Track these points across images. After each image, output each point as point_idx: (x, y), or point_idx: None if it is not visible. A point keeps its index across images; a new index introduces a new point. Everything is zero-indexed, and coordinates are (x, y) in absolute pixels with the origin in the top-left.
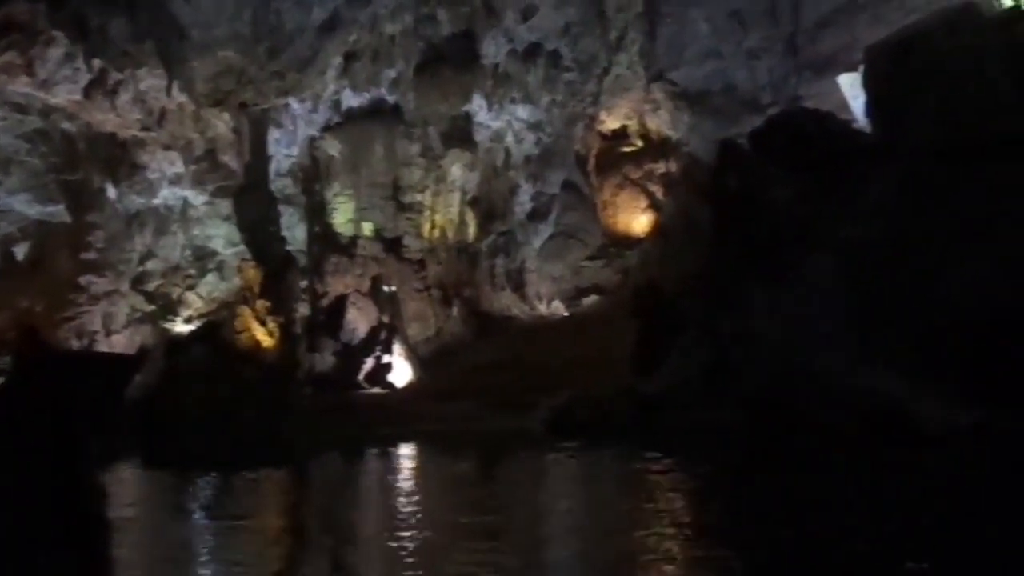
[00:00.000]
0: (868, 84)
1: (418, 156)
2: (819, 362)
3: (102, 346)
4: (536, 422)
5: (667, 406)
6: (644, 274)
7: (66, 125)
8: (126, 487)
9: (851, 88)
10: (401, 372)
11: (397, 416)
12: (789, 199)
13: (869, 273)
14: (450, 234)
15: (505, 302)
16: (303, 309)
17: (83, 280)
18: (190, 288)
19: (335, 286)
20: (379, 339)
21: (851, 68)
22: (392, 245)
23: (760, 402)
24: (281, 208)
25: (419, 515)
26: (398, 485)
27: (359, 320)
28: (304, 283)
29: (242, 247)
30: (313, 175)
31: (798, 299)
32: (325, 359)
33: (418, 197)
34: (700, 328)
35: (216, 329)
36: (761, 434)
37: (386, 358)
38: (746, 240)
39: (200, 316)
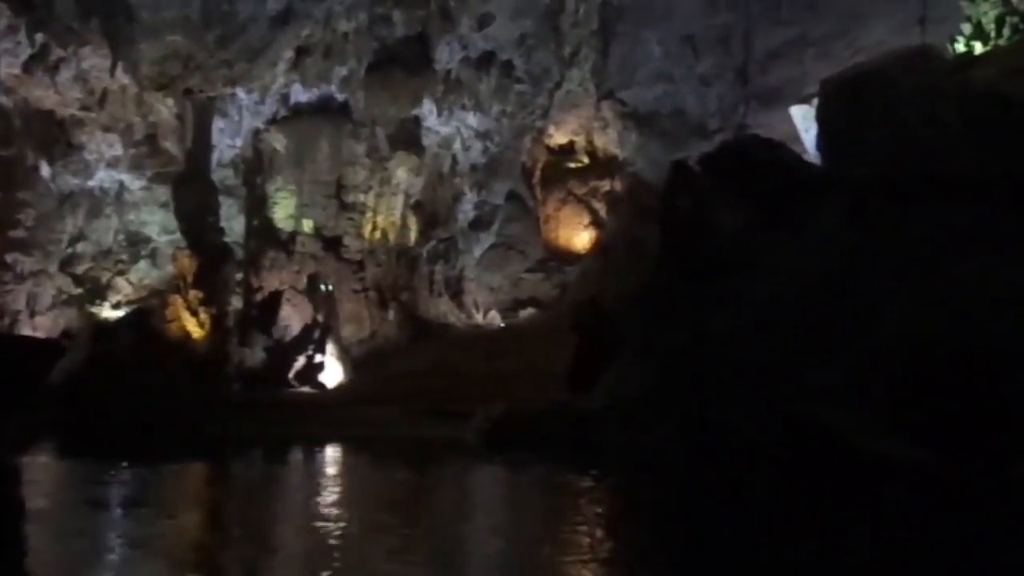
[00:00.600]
0: (821, 116)
1: (364, 156)
2: (758, 388)
3: (25, 327)
4: (470, 432)
5: (604, 423)
6: (583, 290)
7: (2, 99)
8: (40, 475)
9: (803, 120)
10: (332, 373)
11: (326, 417)
12: (737, 224)
13: (812, 303)
14: (391, 237)
15: (442, 309)
16: (236, 302)
17: (9, 258)
18: (120, 273)
19: (271, 281)
20: (312, 338)
21: (799, 101)
22: (332, 244)
23: (697, 424)
24: (221, 199)
25: (334, 513)
26: (318, 485)
27: (293, 317)
28: (239, 276)
29: (177, 235)
30: (256, 167)
31: (741, 324)
32: (256, 354)
33: (361, 197)
34: (639, 347)
35: (145, 317)
36: (695, 456)
37: (318, 357)
38: (691, 262)
39: (129, 303)
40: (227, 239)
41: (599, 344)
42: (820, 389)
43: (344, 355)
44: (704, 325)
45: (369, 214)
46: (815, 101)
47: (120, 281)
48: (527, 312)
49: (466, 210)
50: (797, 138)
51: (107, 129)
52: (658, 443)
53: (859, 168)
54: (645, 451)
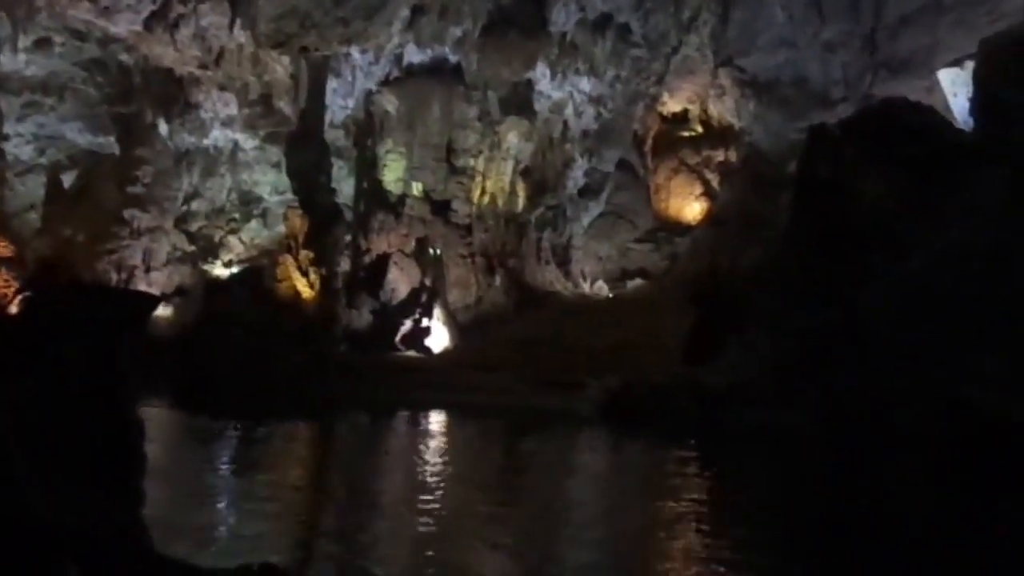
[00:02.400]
0: (980, 78)
1: (475, 120)
2: (913, 370)
3: (140, 282)
4: (584, 404)
5: (731, 402)
6: (694, 262)
7: (124, 56)
8: (152, 427)
9: (952, 84)
10: (439, 337)
11: (432, 382)
12: (880, 193)
13: (971, 281)
14: (500, 202)
15: (549, 277)
16: (345, 264)
17: (127, 214)
18: (233, 232)
19: (379, 244)
20: (419, 302)
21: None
22: (440, 208)
23: (841, 407)
24: (332, 160)
25: (438, 483)
26: (422, 451)
27: (400, 281)
28: (348, 238)
29: (288, 195)
30: (367, 129)
31: (891, 301)
32: (363, 317)
33: (471, 162)
34: (768, 322)
35: (257, 275)
36: (838, 442)
37: (425, 322)
38: (831, 233)
39: (240, 261)
40: (337, 200)
41: (720, 318)
42: (985, 373)
43: (451, 320)
44: (848, 301)
45: (478, 179)
46: (968, 64)
47: (232, 239)
48: (635, 283)
49: (576, 177)
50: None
51: (223, 88)
52: (793, 426)
53: (1021, 134)
54: (778, 433)
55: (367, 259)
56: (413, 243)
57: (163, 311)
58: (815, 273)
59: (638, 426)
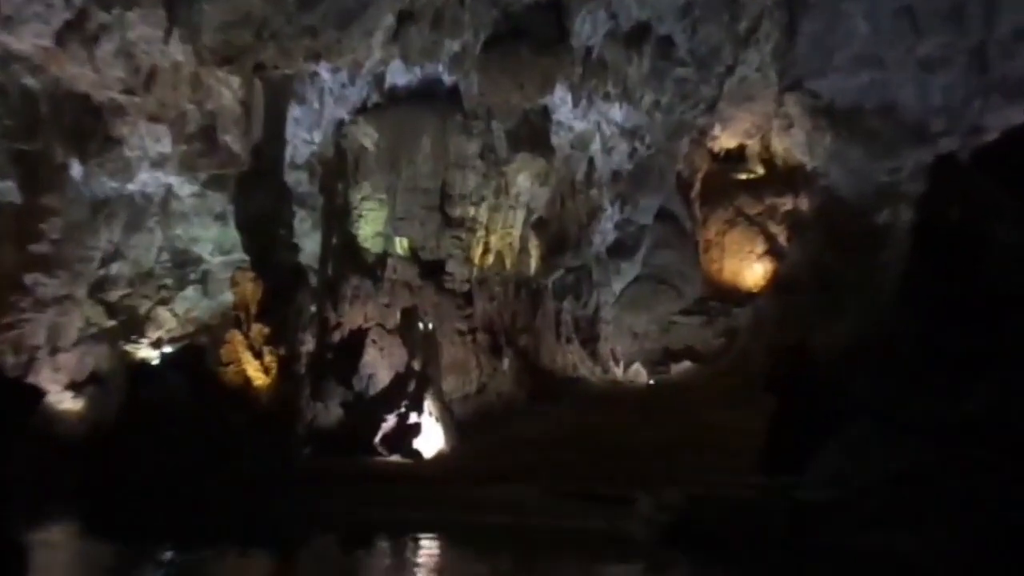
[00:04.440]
0: None
1: (476, 158)
2: None
3: (44, 366)
4: (637, 524)
5: (838, 523)
6: (757, 339)
7: (28, 80)
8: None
9: None
10: (431, 438)
11: (423, 497)
12: None
13: None
14: (508, 263)
15: (571, 359)
16: (309, 343)
17: (28, 279)
18: (164, 302)
19: (353, 317)
20: (405, 391)
21: None
22: (432, 270)
23: (991, 529)
24: (293, 209)
25: None
26: None
27: (380, 364)
28: (313, 309)
29: (237, 255)
30: (337, 170)
31: None
32: (332, 411)
33: (471, 211)
34: (880, 416)
35: (195, 357)
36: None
37: (412, 417)
38: (965, 294)
39: (173, 340)
40: (300, 260)
41: (807, 410)
42: None
43: (446, 415)
44: (993, 384)
45: (480, 233)
46: None
47: (163, 312)
48: (681, 367)
49: (604, 231)
50: None
51: (154, 119)
52: (925, 553)
53: None
54: (905, 563)
55: (338, 336)
56: (397, 316)
57: (72, 404)
58: (944, 348)
59: (716, 555)
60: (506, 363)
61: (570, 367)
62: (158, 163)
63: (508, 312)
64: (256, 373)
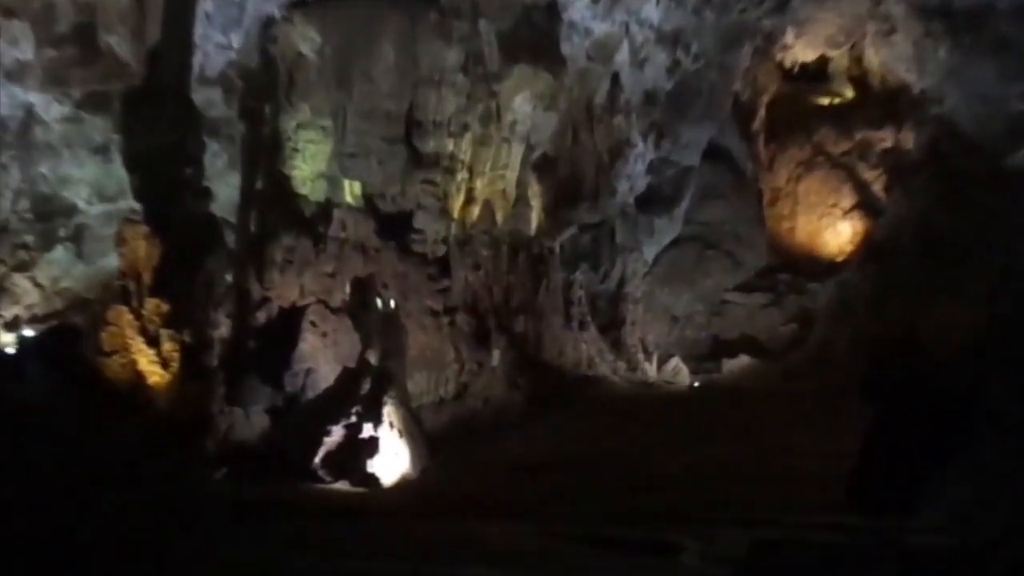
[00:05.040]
0: None
1: (456, 72)
2: None
3: None
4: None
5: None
6: (842, 325)
7: None
8: None
9: None
10: (391, 458)
11: (380, 540)
12: None
13: None
14: (499, 217)
15: (586, 351)
16: (224, 326)
17: None
18: (22, 268)
19: (285, 290)
20: (357, 394)
21: None
22: (394, 227)
23: None
24: (204, 140)
25: None
26: None
27: (322, 356)
28: (229, 278)
29: (123, 203)
30: (264, 86)
31: None
32: (255, 421)
33: (449, 145)
34: (1021, 432)
35: (67, 344)
36: None
37: (367, 430)
38: None
39: (36, 320)
40: (212, 211)
41: (920, 425)
42: None
43: (413, 427)
44: None
45: (462, 175)
46: None
47: (21, 281)
48: (737, 362)
49: (633, 175)
50: None
51: (9, 14)
52: None
53: None
54: None
55: (263, 317)
56: (346, 289)
57: None
58: None
59: None
60: (496, 356)
61: (584, 362)
62: (15, 75)
63: (499, 286)
64: (151, 366)
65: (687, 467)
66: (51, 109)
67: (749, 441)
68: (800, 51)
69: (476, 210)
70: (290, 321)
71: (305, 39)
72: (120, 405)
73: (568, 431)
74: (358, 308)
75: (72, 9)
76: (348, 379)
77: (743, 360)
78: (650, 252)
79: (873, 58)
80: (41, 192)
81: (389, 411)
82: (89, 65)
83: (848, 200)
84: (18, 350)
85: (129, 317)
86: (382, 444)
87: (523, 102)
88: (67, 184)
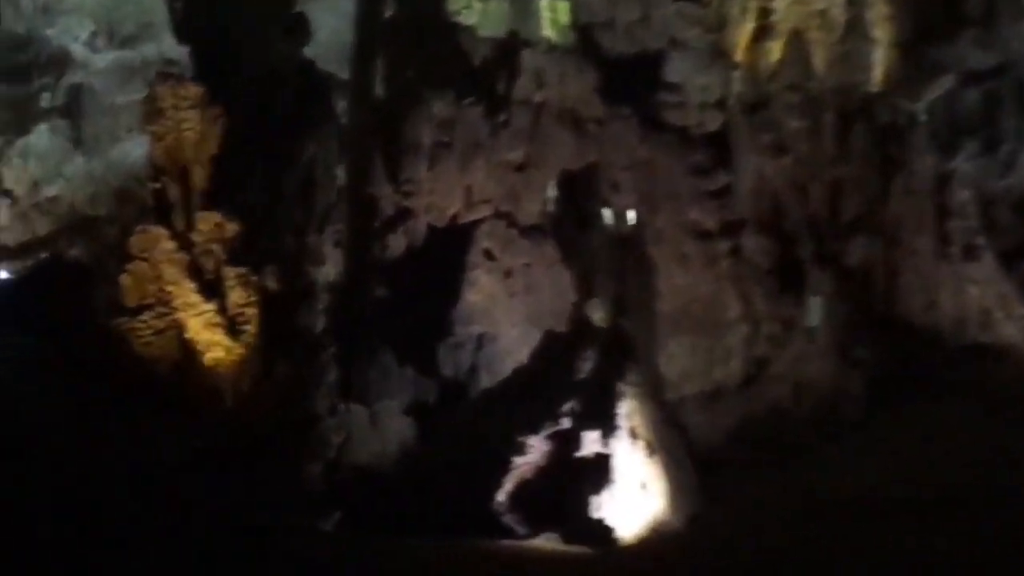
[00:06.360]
0: None
1: None
2: None
3: None
4: None
5: None
6: None
7: None
8: None
9: None
10: (636, 492)
11: None
12: None
13: None
14: (818, 60)
15: (980, 299)
16: (334, 259)
17: None
18: None
19: (438, 194)
20: (569, 379)
21: None
22: (631, 78)
23: None
24: None
25: None
26: None
27: (504, 311)
28: (341, 174)
29: (151, 47)
30: None
31: None
32: (389, 427)
33: None
34: None
35: (58, 292)
36: None
37: (589, 443)
38: None
39: (5, 253)
40: (310, 55)
41: None
42: None
43: (673, 437)
44: None
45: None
46: None
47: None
48: None
49: None
50: None
51: None
52: None
53: None
54: None
55: (400, 243)
56: (546, 190)
57: None
58: None
59: None
60: (815, 310)
61: (975, 319)
62: None
63: (820, 183)
64: (207, 334)
65: None
66: None
67: None
68: None
69: (776, 49)
70: (448, 251)
71: None
72: (152, 406)
73: (950, 441)
74: (569, 226)
75: None
76: (553, 353)
77: None
78: None
79: None
80: (10, 30)
81: (628, 410)
82: None
83: None
84: None
85: (169, 246)
86: (618, 469)
87: None
88: (54, 15)
